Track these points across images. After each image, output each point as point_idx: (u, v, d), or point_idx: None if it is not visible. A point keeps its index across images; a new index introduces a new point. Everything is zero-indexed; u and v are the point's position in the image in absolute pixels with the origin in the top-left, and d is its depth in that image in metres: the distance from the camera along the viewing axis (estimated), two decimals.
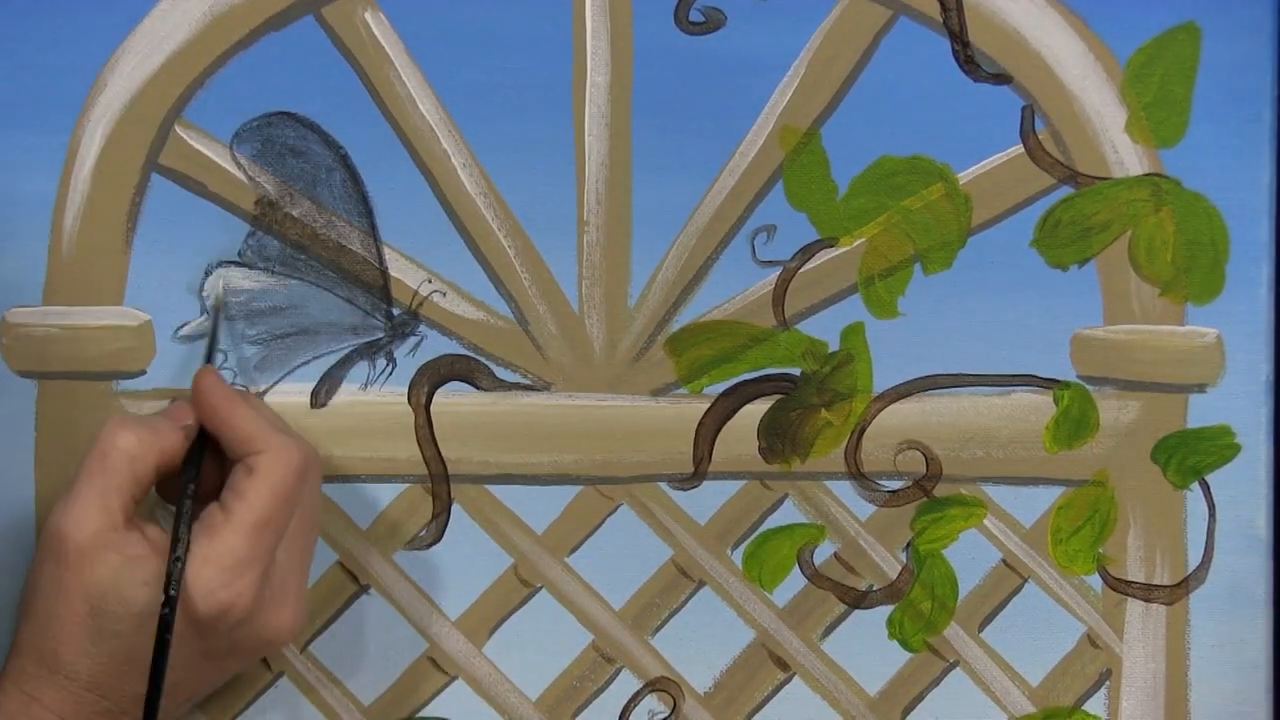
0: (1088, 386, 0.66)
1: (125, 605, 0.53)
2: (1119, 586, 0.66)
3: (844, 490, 0.66)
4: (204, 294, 0.64)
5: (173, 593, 0.52)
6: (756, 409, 0.66)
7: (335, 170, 0.64)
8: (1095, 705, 0.67)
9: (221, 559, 0.53)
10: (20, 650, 0.55)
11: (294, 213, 0.64)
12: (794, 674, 0.66)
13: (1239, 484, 0.66)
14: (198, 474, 0.56)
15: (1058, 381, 0.66)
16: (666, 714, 0.66)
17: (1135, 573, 0.66)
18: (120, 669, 0.53)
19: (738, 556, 0.66)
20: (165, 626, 0.52)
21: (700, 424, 0.65)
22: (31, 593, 0.55)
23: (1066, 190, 0.65)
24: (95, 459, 0.54)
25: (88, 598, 0.53)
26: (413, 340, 0.65)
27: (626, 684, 0.66)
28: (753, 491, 0.66)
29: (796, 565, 0.66)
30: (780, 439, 0.66)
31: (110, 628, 0.53)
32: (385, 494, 0.65)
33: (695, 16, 0.64)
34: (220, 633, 0.54)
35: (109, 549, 0.53)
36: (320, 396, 0.65)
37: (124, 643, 0.53)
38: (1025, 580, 0.66)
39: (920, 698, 0.67)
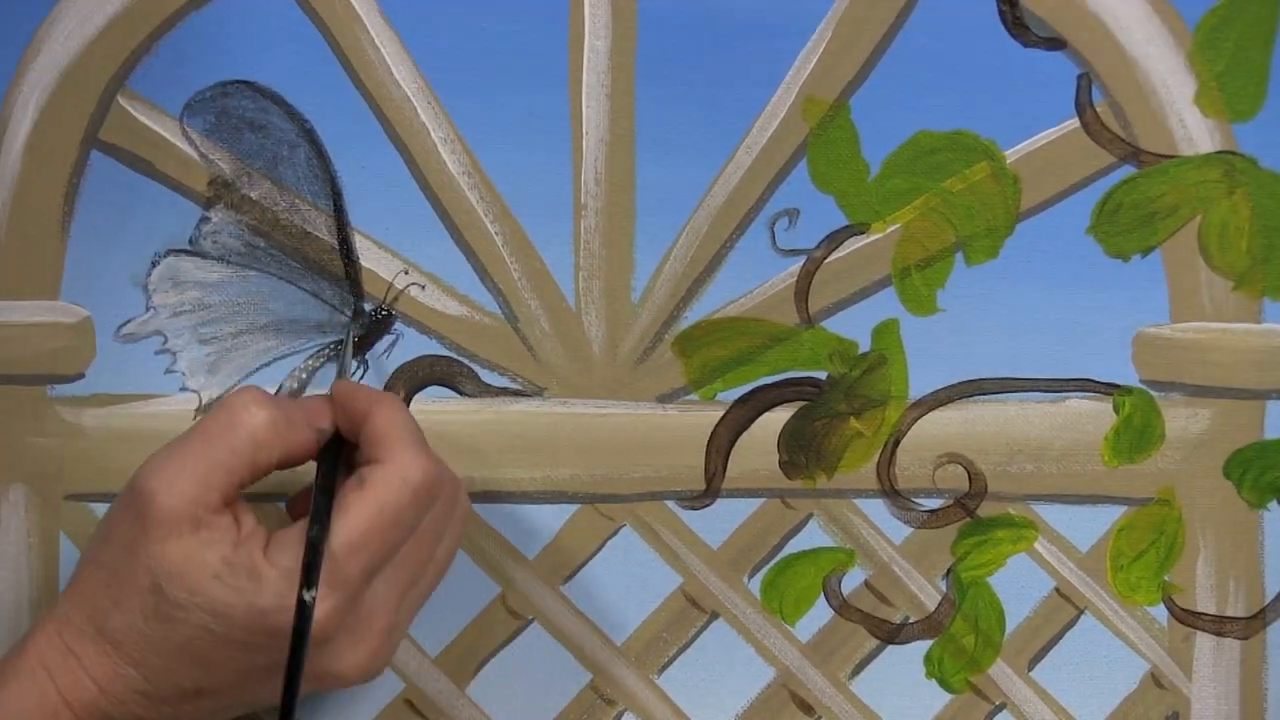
0: (1152, 392, 0.65)
1: (189, 593, 0.51)
2: (1187, 619, 0.66)
3: (876, 510, 0.66)
4: (150, 286, 0.63)
5: (307, 597, 0.51)
6: (777, 418, 0.65)
7: (299, 147, 0.63)
8: None
9: (298, 573, 0.52)
10: (73, 596, 0.54)
11: (252, 195, 0.64)
12: (820, 718, 0.66)
13: None
14: (333, 474, 0.55)
15: (1118, 386, 0.65)
16: None
17: (1205, 603, 0.66)
18: (168, 655, 0.52)
19: (755, 585, 0.66)
20: (298, 635, 0.51)
21: (713, 435, 0.65)
22: (101, 540, 0.54)
23: (1128, 170, 0.65)
24: (216, 426, 0.53)
25: (153, 571, 0.52)
26: (387, 339, 0.64)
27: None
28: (772, 511, 0.65)
29: (822, 595, 0.65)
30: (804, 451, 0.65)
31: (168, 611, 0.52)
32: None
33: None
34: (283, 649, 0.52)
35: (192, 527, 0.52)
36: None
37: (178, 630, 0.52)
38: (1081, 611, 0.66)
39: None
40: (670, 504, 0.65)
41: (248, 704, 0.56)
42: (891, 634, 0.65)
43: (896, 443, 0.65)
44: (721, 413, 0.64)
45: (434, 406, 0.64)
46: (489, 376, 0.64)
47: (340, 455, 0.56)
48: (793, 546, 0.65)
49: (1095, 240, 0.65)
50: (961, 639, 0.65)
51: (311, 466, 0.55)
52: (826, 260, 0.64)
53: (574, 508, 0.65)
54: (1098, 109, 0.64)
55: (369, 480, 0.53)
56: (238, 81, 0.63)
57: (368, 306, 0.64)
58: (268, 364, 0.64)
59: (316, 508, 0.53)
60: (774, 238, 0.64)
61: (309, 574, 0.51)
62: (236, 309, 0.64)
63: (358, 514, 0.52)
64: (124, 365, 0.64)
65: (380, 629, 0.54)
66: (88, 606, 0.53)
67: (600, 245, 0.64)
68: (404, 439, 0.54)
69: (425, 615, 0.63)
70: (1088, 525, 0.65)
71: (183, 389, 0.64)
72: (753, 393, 0.65)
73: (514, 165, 0.64)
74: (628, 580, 0.65)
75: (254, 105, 0.63)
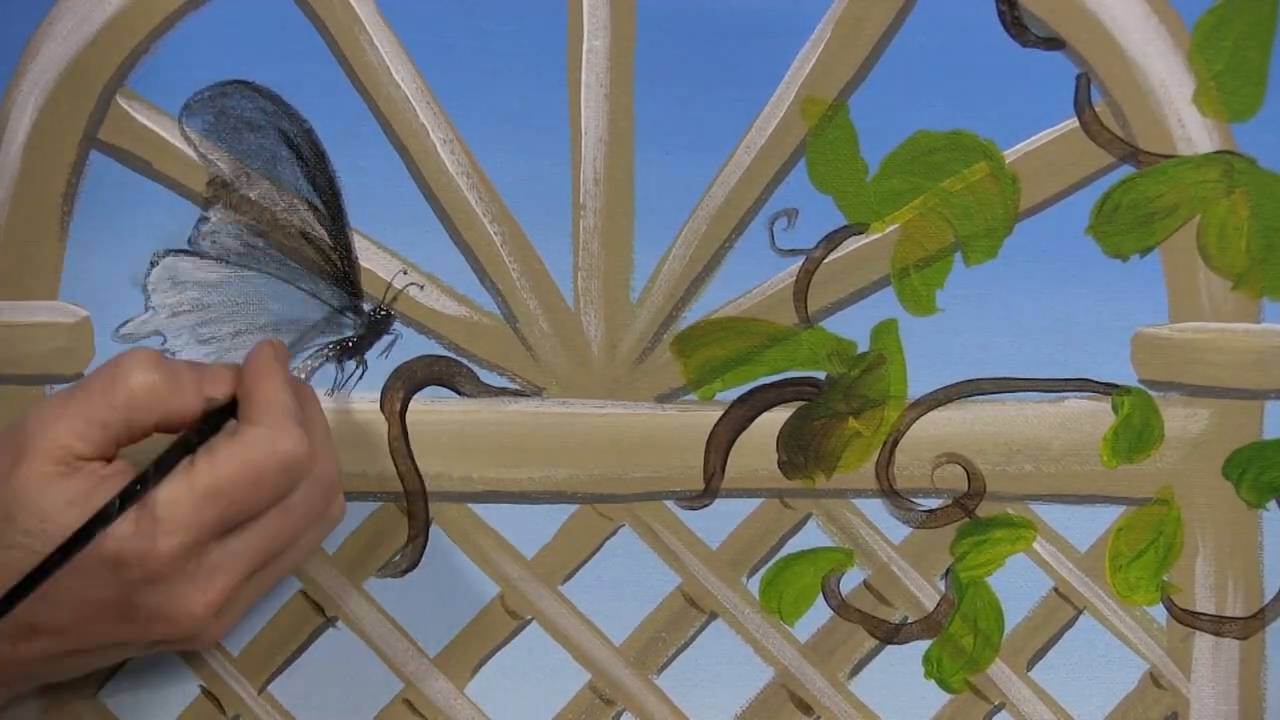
0: (1151, 392, 0.65)
1: (40, 521, 0.52)
2: (1186, 618, 0.65)
3: (875, 510, 0.65)
4: (149, 286, 0.63)
5: (114, 509, 0.52)
6: (775, 418, 0.65)
7: (298, 147, 0.63)
8: None
9: (155, 506, 0.52)
10: None
11: (251, 195, 0.63)
12: (818, 718, 0.65)
13: None
14: (202, 435, 0.55)
15: (1117, 386, 0.65)
16: None
17: (1204, 603, 0.65)
18: (8, 586, 0.52)
19: (754, 585, 0.65)
20: (79, 533, 0.51)
21: (712, 435, 0.65)
22: None
23: (1127, 170, 0.64)
24: (101, 382, 0.54)
25: (9, 500, 0.53)
26: (386, 339, 0.64)
27: None
28: (771, 511, 0.65)
29: (821, 595, 0.65)
30: (802, 451, 0.65)
31: (13, 538, 0.52)
32: (355, 514, 0.64)
33: None
34: (122, 583, 0.53)
35: (60, 470, 0.53)
36: None
37: (18, 559, 0.52)
38: (1080, 611, 0.65)
39: None
40: (669, 504, 0.64)
41: (86, 647, 0.56)
42: (890, 634, 0.65)
43: (895, 443, 0.64)
44: (720, 413, 0.64)
45: (433, 406, 0.64)
46: (488, 376, 0.64)
47: (221, 424, 0.56)
48: (791, 546, 0.65)
49: (1094, 240, 0.64)
50: (960, 639, 0.65)
51: None
52: (825, 260, 0.64)
53: (573, 508, 0.64)
54: (1096, 109, 0.64)
55: (241, 435, 0.54)
56: (236, 81, 0.62)
57: (367, 306, 0.63)
58: None
59: (167, 451, 0.53)
60: (773, 237, 0.64)
61: (125, 496, 0.51)
62: (235, 309, 0.63)
63: (223, 462, 0.53)
64: None
65: (220, 586, 0.54)
66: None
67: (599, 245, 0.64)
68: (287, 414, 0.55)
69: (424, 614, 0.64)
70: (1086, 525, 0.65)
71: None
72: (751, 393, 0.64)
73: (513, 165, 0.63)
74: (626, 580, 0.65)
75: (253, 105, 0.62)
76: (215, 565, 0.54)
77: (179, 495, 0.52)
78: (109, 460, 0.54)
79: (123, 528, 0.52)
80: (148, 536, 0.52)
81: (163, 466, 0.53)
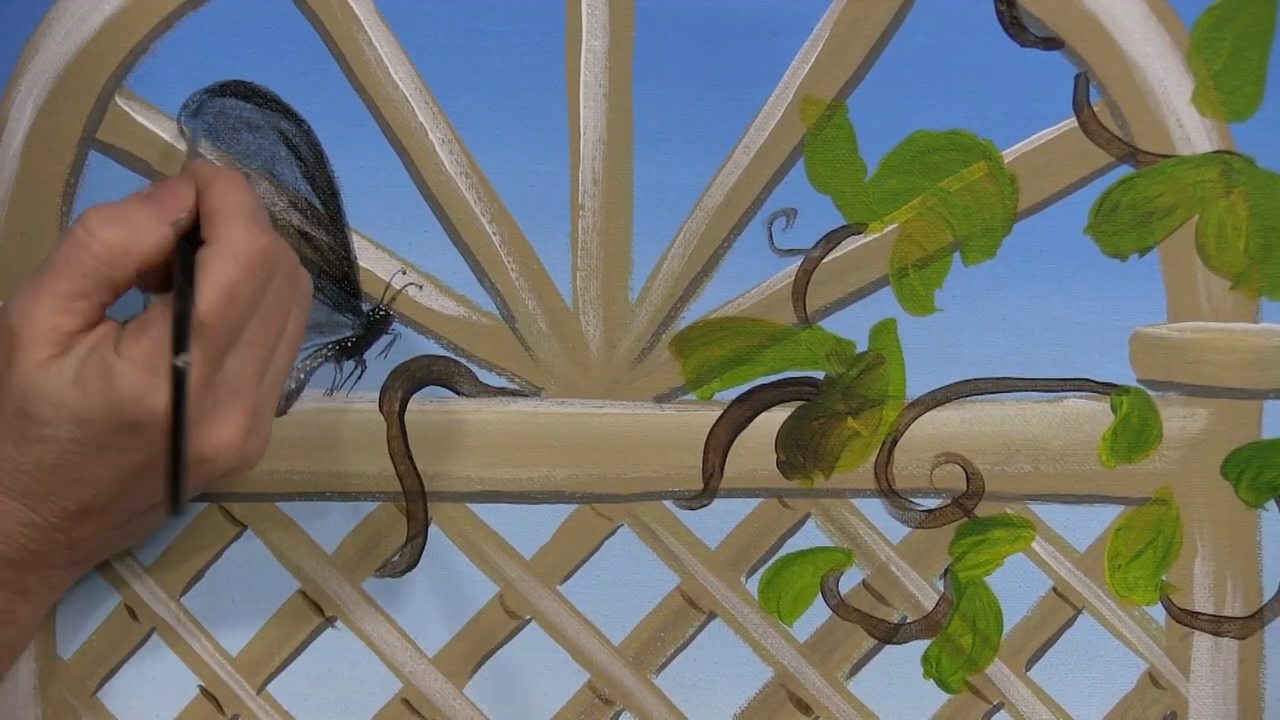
0: (1149, 392, 0.65)
1: (53, 408, 0.52)
2: (1185, 618, 0.65)
3: (874, 509, 0.65)
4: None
5: (179, 362, 0.51)
6: (774, 417, 0.64)
7: (296, 147, 0.63)
8: None
9: (149, 359, 0.52)
10: None
11: None
12: (817, 717, 0.65)
13: None
14: (192, 252, 0.54)
15: (1115, 386, 0.65)
16: None
17: (1203, 603, 0.65)
18: (45, 480, 0.54)
19: (753, 585, 0.65)
20: (176, 404, 0.51)
21: (710, 434, 0.64)
22: None
23: (1125, 169, 0.64)
24: (66, 254, 0.53)
25: (17, 396, 0.53)
26: (385, 339, 0.64)
27: None
28: (770, 511, 0.65)
29: (820, 594, 0.65)
30: (801, 451, 0.64)
31: (36, 432, 0.53)
32: (354, 514, 0.64)
33: None
34: (149, 440, 0.53)
35: (54, 350, 0.53)
36: (280, 404, 0.63)
37: (48, 450, 0.53)
38: (1079, 611, 0.65)
39: None
40: (668, 504, 0.64)
41: (137, 513, 0.56)
42: (889, 634, 0.65)
43: (894, 442, 0.64)
44: (719, 413, 0.64)
45: (432, 407, 0.64)
46: (486, 376, 0.64)
47: (199, 240, 0.55)
48: (790, 546, 0.64)
49: (1093, 240, 0.64)
50: (959, 639, 0.64)
51: None
52: (824, 260, 0.64)
53: (571, 508, 0.64)
54: (1095, 108, 0.64)
55: (204, 263, 0.53)
56: (235, 81, 0.62)
57: (365, 306, 0.63)
58: None
59: (179, 282, 0.53)
60: (771, 237, 0.64)
61: (177, 342, 0.51)
62: None
63: (199, 296, 0.53)
64: None
65: (242, 406, 0.55)
66: None
67: (598, 245, 0.64)
68: (231, 215, 0.55)
69: (422, 614, 0.64)
70: (1085, 525, 0.65)
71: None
72: (750, 392, 0.64)
73: (511, 165, 0.63)
74: (625, 580, 0.64)
75: (251, 105, 0.62)
76: (229, 389, 0.54)
77: (168, 341, 0.52)
78: (94, 325, 0.54)
79: (130, 389, 0.52)
80: (155, 390, 0.52)
81: (184, 294, 0.52)
